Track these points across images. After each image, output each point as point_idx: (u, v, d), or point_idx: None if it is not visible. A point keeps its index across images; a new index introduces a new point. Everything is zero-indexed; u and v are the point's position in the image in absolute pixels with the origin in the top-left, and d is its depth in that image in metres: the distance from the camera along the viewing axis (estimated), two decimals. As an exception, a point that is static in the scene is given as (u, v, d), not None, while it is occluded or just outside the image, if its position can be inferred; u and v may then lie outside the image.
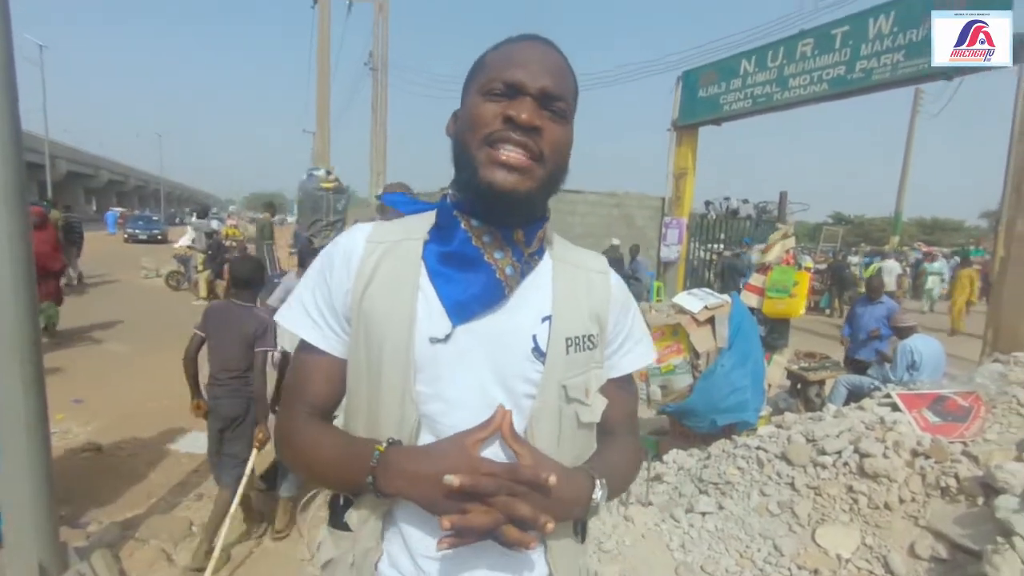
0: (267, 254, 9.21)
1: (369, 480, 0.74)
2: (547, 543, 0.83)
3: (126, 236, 22.93)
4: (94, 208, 46.06)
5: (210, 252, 10.06)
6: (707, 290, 4.45)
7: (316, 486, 0.90)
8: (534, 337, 0.79)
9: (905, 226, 29.56)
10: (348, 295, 0.80)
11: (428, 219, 0.84)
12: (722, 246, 12.99)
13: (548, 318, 0.80)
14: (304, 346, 0.84)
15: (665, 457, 3.54)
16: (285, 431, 0.84)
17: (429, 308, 0.77)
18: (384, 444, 0.75)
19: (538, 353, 0.79)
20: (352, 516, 0.81)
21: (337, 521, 0.84)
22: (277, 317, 0.87)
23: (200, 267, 10.09)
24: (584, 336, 0.82)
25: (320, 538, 0.87)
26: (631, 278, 9.46)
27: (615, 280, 0.91)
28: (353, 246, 0.82)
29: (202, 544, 2.61)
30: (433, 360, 0.76)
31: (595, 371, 0.85)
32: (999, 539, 2.04)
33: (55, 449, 3.43)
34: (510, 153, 0.72)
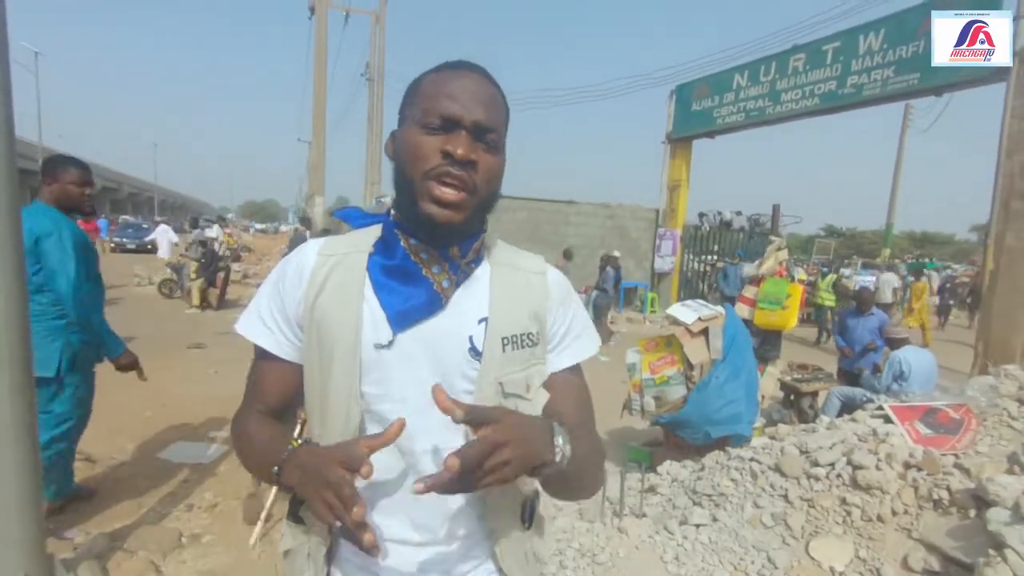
0: None
1: (275, 471, 0.80)
2: (491, 528, 0.88)
3: (112, 245, 21.19)
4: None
5: (203, 260, 10.03)
6: (701, 301, 4.47)
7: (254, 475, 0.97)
8: (470, 338, 0.85)
9: (896, 239, 29.81)
10: (300, 304, 0.87)
11: (374, 232, 0.91)
12: (716, 257, 13.09)
13: (485, 319, 0.86)
14: (260, 351, 0.90)
15: (659, 468, 3.53)
16: (237, 424, 0.92)
17: (373, 316, 0.84)
18: (299, 441, 0.81)
19: (475, 353, 0.84)
20: (306, 511, 0.87)
21: (294, 515, 0.90)
22: (236, 325, 0.92)
23: (193, 275, 10.05)
24: (522, 335, 0.87)
25: (283, 530, 0.94)
26: (600, 288, 9.55)
27: (553, 278, 0.95)
28: (305, 259, 0.89)
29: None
30: (379, 364, 0.83)
31: (536, 367, 0.89)
32: (991, 552, 2.05)
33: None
34: (446, 190, 0.78)
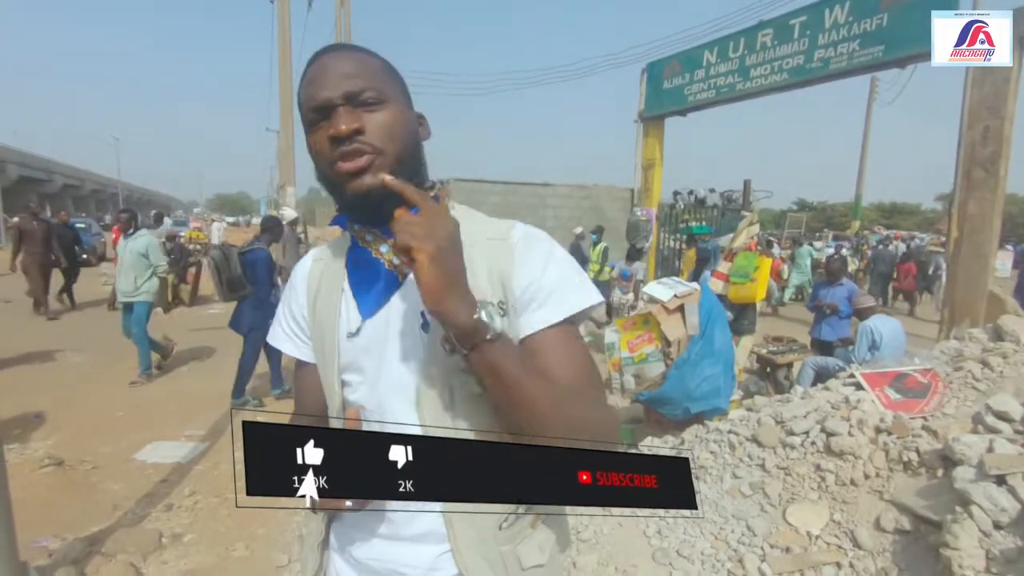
0: None
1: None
2: (450, 533, 0.82)
3: (52, 257, 14.89)
4: (48, 214, 44.18)
5: (172, 256, 9.77)
6: (676, 279, 4.51)
7: None
8: (422, 313, 0.83)
9: (865, 211, 30.42)
10: (303, 307, 0.94)
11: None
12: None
13: None
14: (296, 360, 0.97)
15: (640, 445, 3.58)
16: None
17: (348, 309, 0.88)
18: None
19: (427, 327, 0.83)
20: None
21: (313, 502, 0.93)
22: (268, 335, 1.01)
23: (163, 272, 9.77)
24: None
25: (304, 516, 1.00)
26: None
27: (518, 238, 0.85)
28: (304, 266, 0.97)
29: None
30: (353, 352, 0.87)
31: None
32: (958, 509, 2.12)
33: (13, 466, 3.29)
34: (349, 164, 0.78)
